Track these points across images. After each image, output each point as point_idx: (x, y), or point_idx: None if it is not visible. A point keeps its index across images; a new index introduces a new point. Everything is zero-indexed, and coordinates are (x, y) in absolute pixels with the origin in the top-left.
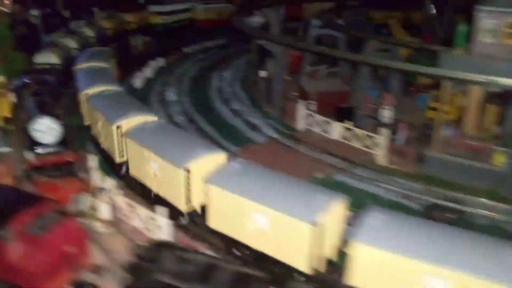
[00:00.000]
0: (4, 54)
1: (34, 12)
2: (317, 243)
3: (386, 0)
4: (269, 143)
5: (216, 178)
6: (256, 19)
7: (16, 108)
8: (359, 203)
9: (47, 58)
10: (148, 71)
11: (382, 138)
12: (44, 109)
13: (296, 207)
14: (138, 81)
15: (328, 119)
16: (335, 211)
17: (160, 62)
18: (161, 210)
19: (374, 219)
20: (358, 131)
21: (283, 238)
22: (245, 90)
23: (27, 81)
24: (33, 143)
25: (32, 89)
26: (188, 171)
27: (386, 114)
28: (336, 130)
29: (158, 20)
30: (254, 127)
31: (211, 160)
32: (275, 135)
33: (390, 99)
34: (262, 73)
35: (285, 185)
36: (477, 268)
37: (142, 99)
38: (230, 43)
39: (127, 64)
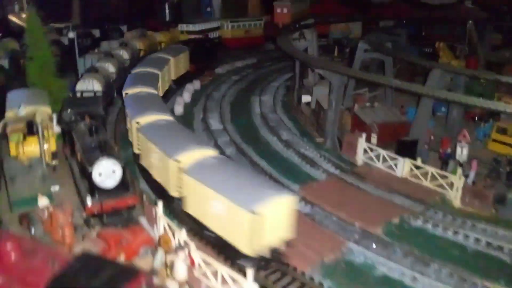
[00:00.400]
0: (45, 81)
1: (70, 34)
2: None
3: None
4: (330, 180)
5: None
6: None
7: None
8: (446, 254)
9: (89, 85)
10: (186, 96)
11: (457, 177)
12: (105, 150)
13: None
14: (178, 107)
15: (393, 155)
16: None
17: (196, 85)
18: (249, 272)
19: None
20: (430, 169)
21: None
22: (289, 117)
23: (76, 114)
24: (93, 188)
25: (88, 126)
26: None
27: (464, 152)
28: (404, 167)
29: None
30: (309, 161)
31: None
32: (334, 171)
33: (467, 136)
34: (305, 99)
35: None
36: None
37: (185, 127)
38: (260, 63)
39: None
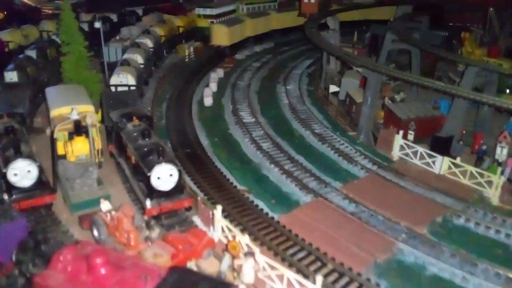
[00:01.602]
0: (80, 76)
1: (97, 24)
2: None
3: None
4: (369, 177)
5: None
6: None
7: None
8: (490, 253)
9: (124, 79)
10: (212, 86)
11: (497, 176)
12: (162, 155)
13: None
14: (208, 99)
15: (431, 152)
16: None
17: (219, 73)
18: (319, 278)
19: None
20: (469, 167)
21: None
22: (318, 109)
23: (125, 115)
24: (151, 191)
25: (140, 129)
26: None
27: (504, 152)
28: (442, 165)
29: (205, 24)
30: (346, 157)
31: None
32: (371, 167)
33: (508, 137)
34: (332, 88)
35: None
36: None
37: (219, 119)
38: (278, 47)
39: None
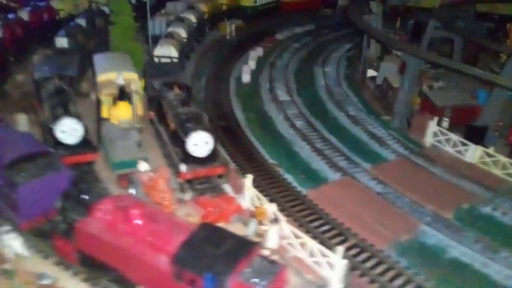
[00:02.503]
0: (126, 45)
1: None
2: None
3: None
4: (400, 161)
5: None
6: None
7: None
8: None
9: (167, 51)
10: (251, 63)
11: None
12: (199, 123)
13: None
14: (245, 75)
15: (465, 141)
16: None
17: (258, 51)
18: (339, 249)
19: None
20: (503, 158)
21: None
22: (354, 92)
23: (165, 84)
24: (187, 156)
25: (179, 97)
26: None
27: None
28: (475, 153)
29: (248, 3)
30: (378, 140)
31: None
32: (402, 151)
33: None
34: (370, 73)
35: None
36: None
37: (255, 96)
38: (319, 30)
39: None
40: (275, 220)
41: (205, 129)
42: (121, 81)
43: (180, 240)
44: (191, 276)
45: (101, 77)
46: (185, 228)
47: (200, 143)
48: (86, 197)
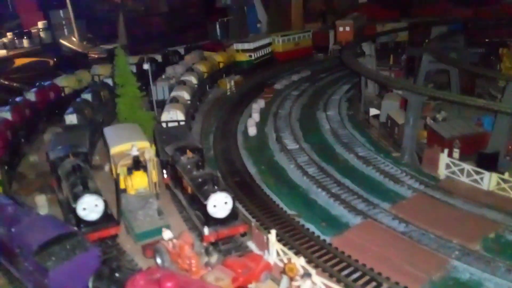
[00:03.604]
0: (134, 115)
1: (145, 65)
2: None
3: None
4: (417, 196)
5: None
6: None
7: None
8: None
9: (174, 115)
10: (255, 116)
11: None
12: (217, 184)
13: None
14: (251, 129)
15: (478, 169)
16: None
17: (260, 103)
18: None
19: None
20: None
21: None
22: (359, 132)
23: (178, 149)
24: (208, 218)
25: (193, 161)
26: None
27: None
28: (491, 181)
29: (244, 58)
30: (392, 177)
31: None
32: (418, 186)
33: None
34: (372, 111)
35: None
36: None
37: (263, 147)
38: (315, 75)
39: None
40: (307, 275)
41: (223, 189)
42: (135, 152)
43: None
44: None
45: (115, 150)
46: None
47: (219, 204)
48: (118, 275)
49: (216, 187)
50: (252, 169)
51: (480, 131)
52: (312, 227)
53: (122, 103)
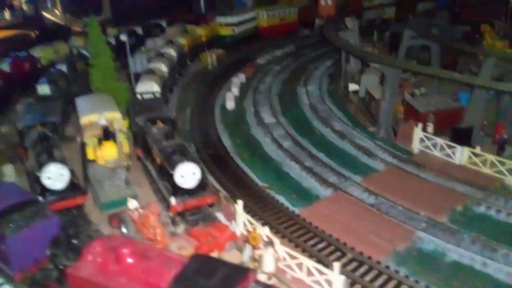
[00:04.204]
0: (108, 86)
1: (123, 37)
2: None
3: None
4: (389, 170)
5: None
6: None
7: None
8: (509, 240)
9: (149, 86)
10: (234, 90)
11: None
12: (185, 154)
13: None
14: (230, 102)
15: (451, 143)
16: None
17: (241, 78)
18: (336, 264)
19: None
20: (489, 156)
21: None
22: (338, 107)
23: (149, 119)
24: (175, 189)
25: (163, 131)
26: None
27: None
28: (463, 155)
29: (227, 32)
30: (366, 151)
31: None
32: (391, 160)
33: None
34: (352, 87)
35: None
36: None
37: (240, 121)
38: (299, 51)
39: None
40: (269, 243)
41: (191, 160)
42: (103, 122)
43: (172, 274)
44: None
45: (84, 120)
46: (177, 262)
47: (187, 174)
48: (75, 241)
49: (184, 157)
50: (227, 142)
51: (456, 106)
52: (282, 199)
53: (95, 73)
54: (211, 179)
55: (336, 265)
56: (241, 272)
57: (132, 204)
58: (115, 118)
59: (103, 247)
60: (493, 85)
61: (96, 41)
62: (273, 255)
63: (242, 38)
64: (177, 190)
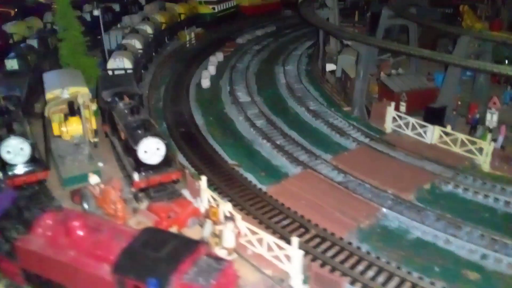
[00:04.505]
0: (77, 61)
1: (95, 11)
2: None
3: None
4: (361, 149)
5: None
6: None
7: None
8: (476, 217)
9: (120, 63)
10: (211, 69)
11: (487, 143)
12: (149, 129)
13: None
14: (205, 81)
15: (423, 122)
16: None
17: (219, 57)
18: (294, 239)
19: None
20: (460, 135)
21: None
22: (315, 87)
23: (115, 94)
24: (139, 164)
25: (129, 106)
26: None
27: (493, 118)
28: (434, 134)
29: (207, 10)
30: (339, 131)
31: None
32: (363, 139)
33: (497, 102)
34: (330, 67)
35: None
36: None
37: (215, 100)
38: (280, 31)
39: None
40: (229, 219)
41: (155, 135)
42: (65, 96)
43: (122, 247)
44: (134, 283)
45: (49, 95)
46: (127, 235)
47: (151, 150)
48: (26, 214)
49: (147, 133)
50: (200, 121)
51: (430, 86)
52: (250, 177)
53: (64, 47)
54: (180, 157)
55: (295, 240)
56: (191, 245)
57: (93, 179)
58: (80, 93)
59: (54, 220)
60: (463, 62)
61: (64, 14)
62: (233, 231)
63: (223, 17)
64: (140, 166)
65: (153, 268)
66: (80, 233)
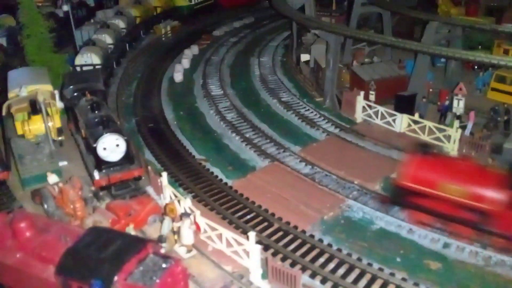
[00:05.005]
0: (43, 58)
1: (65, 7)
2: None
3: None
4: (329, 139)
5: None
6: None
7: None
8: None
9: (89, 58)
10: (184, 62)
11: (454, 130)
12: (108, 125)
13: None
14: (178, 75)
15: (391, 111)
16: None
17: (193, 50)
18: (251, 234)
19: None
20: (427, 123)
21: None
22: (288, 78)
23: (77, 90)
24: (99, 162)
25: (89, 103)
26: None
27: (460, 104)
28: (402, 122)
29: (183, 2)
30: (309, 122)
31: None
32: (333, 130)
33: (464, 88)
34: (304, 58)
35: None
36: None
37: (187, 94)
38: (258, 22)
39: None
40: (185, 214)
41: (114, 131)
42: (23, 94)
43: (67, 248)
44: (77, 285)
45: (11, 93)
46: (73, 234)
47: (110, 146)
48: None
49: (106, 129)
50: (169, 115)
51: (401, 74)
52: (217, 171)
53: (29, 44)
54: (147, 153)
55: (252, 235)
56: (137, 244)
57: (52, 179)
58: (41, 91)
59: (1, 222)
60: (431, 50)
61: (28, 10)
62: (190, 227)
63: (200, 10)
64: (100, 164)
65: (97, 269)
66: (28, 234)
